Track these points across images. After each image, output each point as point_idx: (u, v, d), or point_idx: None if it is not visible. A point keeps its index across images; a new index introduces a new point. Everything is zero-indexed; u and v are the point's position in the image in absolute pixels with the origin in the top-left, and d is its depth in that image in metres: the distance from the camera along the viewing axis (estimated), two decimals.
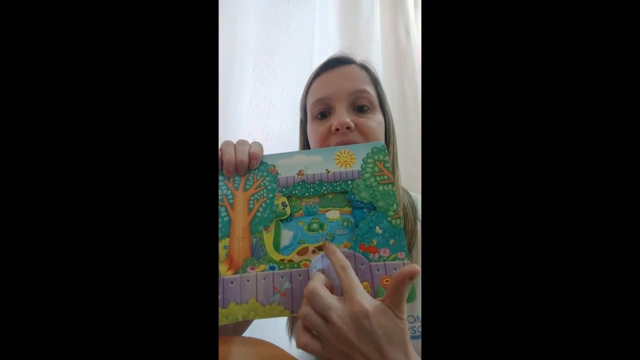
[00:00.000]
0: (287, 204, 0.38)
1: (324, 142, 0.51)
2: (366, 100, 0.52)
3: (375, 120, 0.52)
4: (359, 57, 0.58)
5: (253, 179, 0.39)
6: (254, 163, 0.39)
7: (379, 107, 0.54)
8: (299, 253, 0.36)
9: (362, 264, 0.35)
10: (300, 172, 0.39)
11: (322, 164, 0.39)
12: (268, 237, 0.37)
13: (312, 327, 0.30)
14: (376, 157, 0.40)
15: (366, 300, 0.30)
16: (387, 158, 0.40)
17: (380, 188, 0.38)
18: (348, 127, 0.49)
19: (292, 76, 0.98)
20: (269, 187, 0.39)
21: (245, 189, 0.39)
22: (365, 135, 0.50)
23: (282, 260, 0.36)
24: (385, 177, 0.39)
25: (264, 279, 0.35)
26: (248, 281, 0.35)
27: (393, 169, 0.56)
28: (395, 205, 0.37)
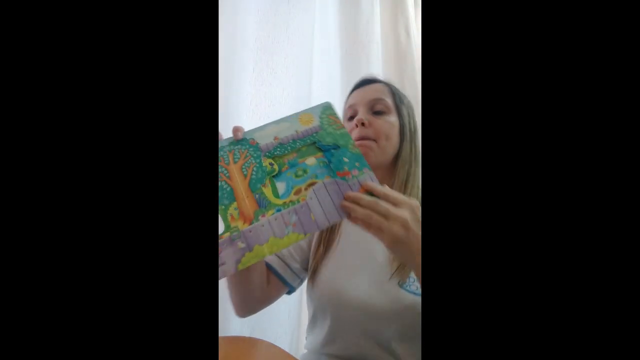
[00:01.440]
0: (274, 162, 0.48)
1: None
2: (382, 105, 0.66)
3: (387, 121, 0.65)
4: (385, 79, 0.74)
5: (239, 152, 0.48)
6: (238, 135, 0.49)
7: (395, 112, 0.67)
8: (295, 193, 0.45)
9: (343, 185, 0.46)
10: (275, 138, 0.49)
11: (290, 127, 0.50)
12: (267, 190, 0.45)
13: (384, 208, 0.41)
14: (328, 112, 0.52)
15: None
16: (335, 111, 0.52)
17: (338, 132, 0.50)
18: (362, 123, 0.64)
19: (292, 76, 0.98)
20: (255, 155, 0.48)
21: (235, 162, 0.47)
22: (375, 130, 0.64)
23: (284, 202, 0.45)
24: (339, 124, 0.51)
25: (275, 219, 0.43)
26: (263, 226, 0.43)
27: (410, 161, 0.67)
28: (351, 140, 0.49)
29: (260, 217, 0.43)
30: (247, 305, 0.63)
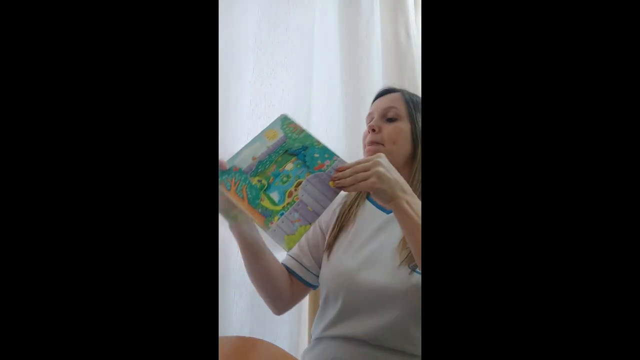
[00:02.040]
0: (261, 179, 0.55)
1: (365, 139, 0.75)
2: (393, 113, 0.73)
3: (397, 127, 0.72)
4: (402, 88, 0.82)
5: (228, 181, 0.55)
6: (225, 166, 0.56)
7: (407, 118, 0.74)
8: (288, 196, 0.54)
9: (322, 176, 0.55)
10: (253, 158, 0.57)
11: (261, 145, 0.58)
12: (266, 203, 0.54)
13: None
14: (287, 122, 0.60)
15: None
16: (292, 120, 0.60)
17: (301, 136, 0.59)
18: (373, 129, 0.72)
19: (292, 76, 0.98)
20: (242, 178, 0.55)
21: (228, 190, 0.55)
22: (384, 135, 0.71)
23: (283, 206, 0.53)
24: (299, 129, 0.59)
25: (282, 222, 0.52)
26: (275, 230, 0.52)
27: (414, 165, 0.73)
28: (315, 139, 0.58)
29: (270, 225, 0.52)
30: (279, 305, 0.71)
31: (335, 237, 0.71)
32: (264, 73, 0.94)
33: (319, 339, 0.65)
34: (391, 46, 1.25)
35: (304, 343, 0.75)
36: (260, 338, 0.57)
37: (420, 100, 0.77)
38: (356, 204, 0.74)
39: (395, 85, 0.80)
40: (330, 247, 0.70)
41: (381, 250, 0.65)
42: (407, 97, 0.76)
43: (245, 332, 0.84)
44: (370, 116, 0.77)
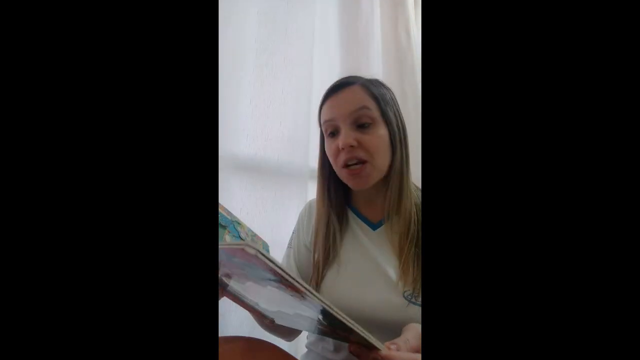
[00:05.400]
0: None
1: (336, 158, 0.60)
2: (366, 117, 0.58)
3: (377, 135, 0.58)
4: (364, 76, 0.64)
5: None
6: None
7: (382, 121, 0.59)
8: None
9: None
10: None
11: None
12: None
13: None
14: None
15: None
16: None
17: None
18: (351, 146, 0.57)
19: (292, 76, 0.98)
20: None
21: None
22: (367, 150, 0.57)
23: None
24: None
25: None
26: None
27: (402, 170, 0.61)
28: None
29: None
30: (289, 336, 0.70)
31: (324, 263, 0.62)
32: (264, 73, 0.94)
33: (315, 354, 0.64)
34: (391, 46, 1.25)
35: (303, 343, 0.75)
36: (260, 338, 0.57)
37: (380, 84, 0.62)
38: (338, 223, 0.64)
39: (394, 83, 0.75)
40: (319, 272, 0.62)
41: (377, 278, 0.58)
42: (372, 90, 0.60)
43: (244, 332, 0.84)
44: (330, 124, 0.59)
